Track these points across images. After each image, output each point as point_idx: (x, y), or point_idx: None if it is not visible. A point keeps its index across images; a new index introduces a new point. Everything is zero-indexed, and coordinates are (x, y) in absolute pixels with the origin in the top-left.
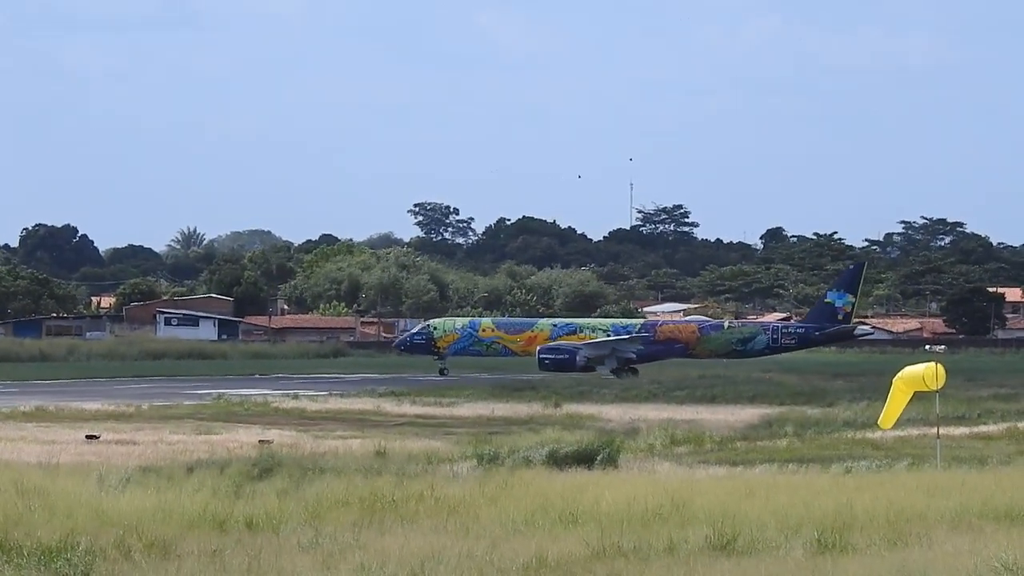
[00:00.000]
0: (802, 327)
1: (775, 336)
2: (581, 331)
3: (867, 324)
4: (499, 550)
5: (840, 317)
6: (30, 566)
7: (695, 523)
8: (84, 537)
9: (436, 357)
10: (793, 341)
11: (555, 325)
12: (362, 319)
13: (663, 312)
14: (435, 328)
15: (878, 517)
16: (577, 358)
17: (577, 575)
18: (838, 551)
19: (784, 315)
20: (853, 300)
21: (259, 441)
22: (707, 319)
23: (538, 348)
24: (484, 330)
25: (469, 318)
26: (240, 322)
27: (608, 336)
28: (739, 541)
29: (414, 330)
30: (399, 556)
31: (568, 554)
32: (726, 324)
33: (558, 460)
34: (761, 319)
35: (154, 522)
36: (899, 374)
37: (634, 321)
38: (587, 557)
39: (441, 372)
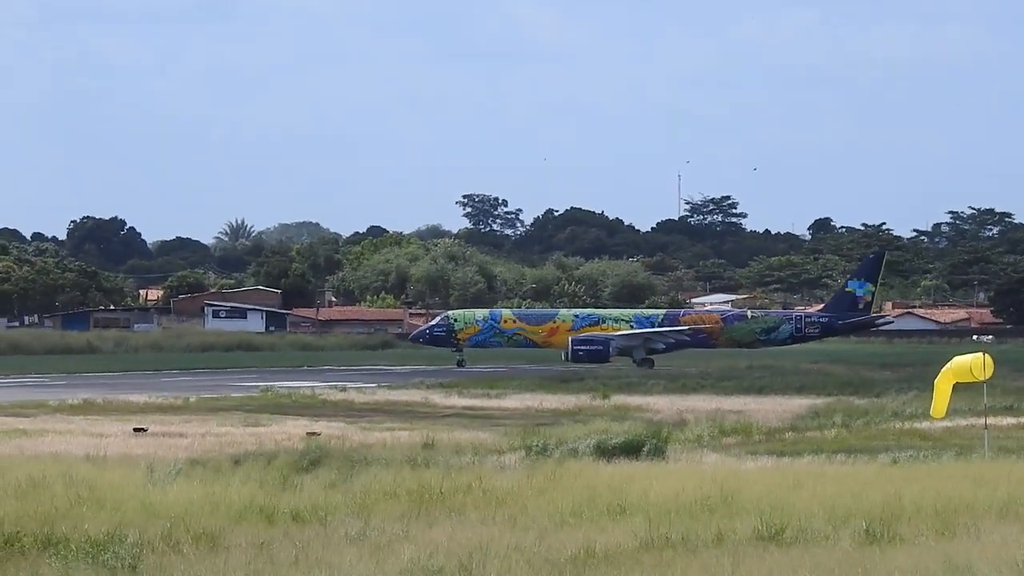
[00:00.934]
0: (825, 316)
1: (799, 325)
2: (603, 322)
3: (887, 315)
4: (547, 541)
5: (861, 306)
6: (78, 559)
7: (743, 514)
8: (132, 530)
9: (454, 349)
10: (816, 330)
11: (577, 316)
12: (410, 311)
13: (711, 303)
14: (455, 320)
15: (926, 507)
16: (611, 348)
17: (625, 566)
18: (886, 542)
19: None
20: (873, 289)
21: (307, 433)
22: (730, 309)
23: (571, 339)
24: (505, 321)
25: (489, 310)
26: (288, 314)
27: (632, 327)
28: (787, 532)
29: (433, 322)
30: (447, 548)
31: (616, 545)
32: (749, 314)
33: (606, 451)
34: (809, 309)
35: (202, 514)
36: (948, 365)
37: (656, 311)
38: (635, 548)
39: (459, 364)
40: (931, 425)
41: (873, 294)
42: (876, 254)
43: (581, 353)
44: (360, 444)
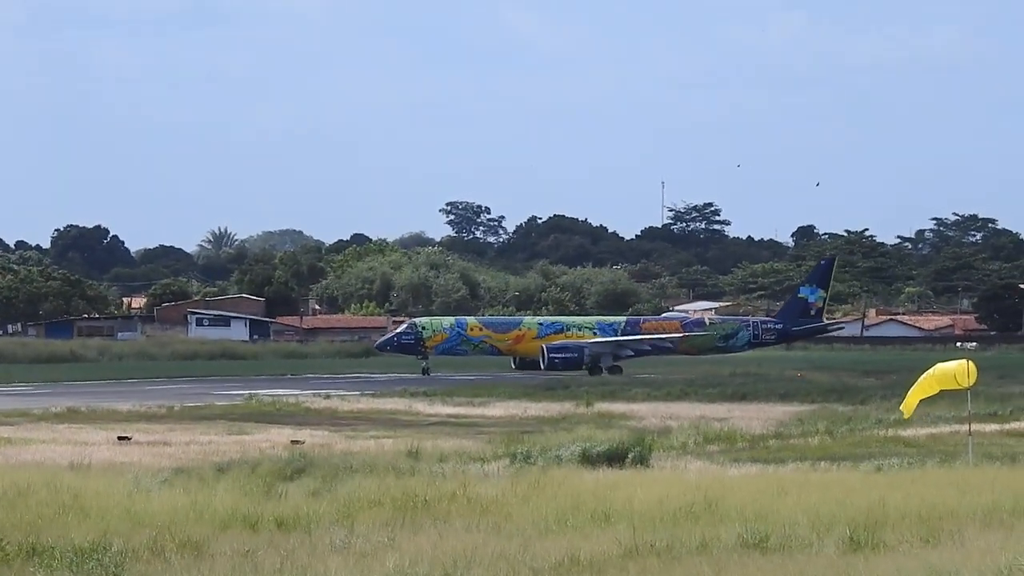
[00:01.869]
0: (780, 323)
1: (756, 332)
2: (567, 329)
3: (839, 321)
4: (532, 549)
5: (812, 312)
6: (62, 567)
7: (727, 521)
8: (117, 538)
9: (420, 356)
10: (773, 337)
11: (541, 324)
12: (393, 319)
13: (693, 310)
14: (424, 327)
15: (910, 514)
16: (584, 356)
17: (610, 574)
18: (870, 548)
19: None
20: (825, 295)
21: (291, 441)
22: (688, 316)
23: (545, 347)
24: (472, 329)
25: (455, 317)
26: (271, 322)
27: (595, 334)
28: (771, 539)
29: (399, 330)
30: (432, 556)
31: (601, 553)
32: (707, 320)
33: (590, 459)
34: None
35: (186, 522)
36: (930, 370)
37: (618, 319)
38: (619, 556)
39: (424, 371)
40: (915, 432)
41: (824, 300)
42: (827, 260)
43: (557, 361)
44: (344, 452)
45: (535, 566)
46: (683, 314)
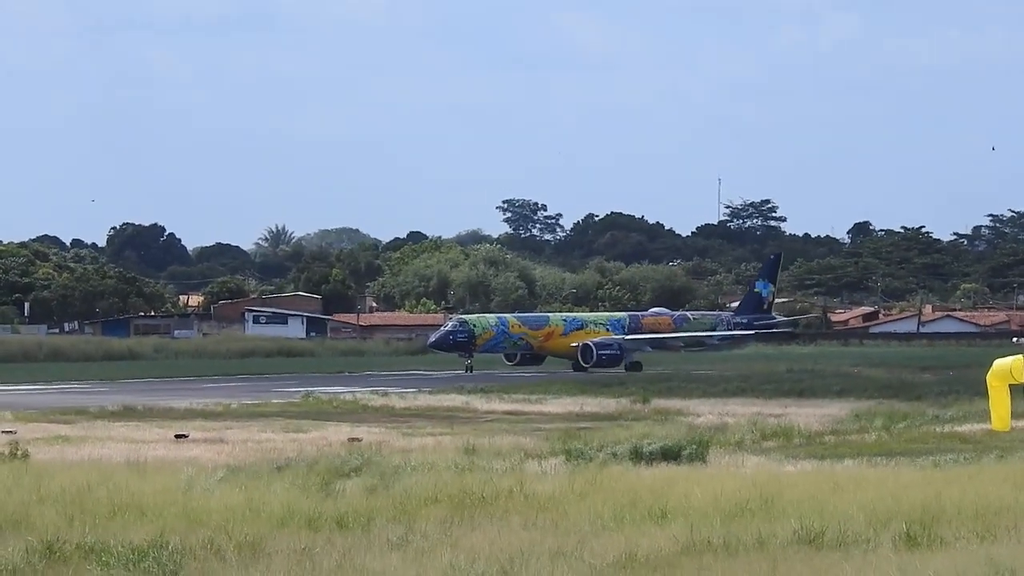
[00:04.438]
0: (744, 317)
1: (729, 327)
2: (586, 326)
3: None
4: (588, 546)
5: (765, 307)
6: (119, 566)
7: (783, 517)
8: (173, 537)
9: (464, 355)
10: (740, 331)
11: (565, 320)
12: (450, 317)
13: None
14: (474, 325)
15: (966, 510)
16: (623, 353)
17: (666, 571)
18: (927, 545)
19: (871, 308)
20: (774, 289)
21: (348, 439)
22: (673, 312)
23: (591, 343)
24: (512, 327)
25: (497, 316)
26: (328, 320)
27: (608, 330)
28: (827, 535)
29: (450, 327)
30: (489, 553)
31: (657, 549)
32: (691, 316)
33: (646, 456)
34: (847, 313)
35: (243, 521)
36: (990, 370)
37: (622, 315)
38: (676, 552)
39: (468, 369)
40: (971, 428)
41: (773, 295)
42: (775, 255)
43: (604, 358)
44: (401, 449)
45: (592, 563)
46: (666, 310)
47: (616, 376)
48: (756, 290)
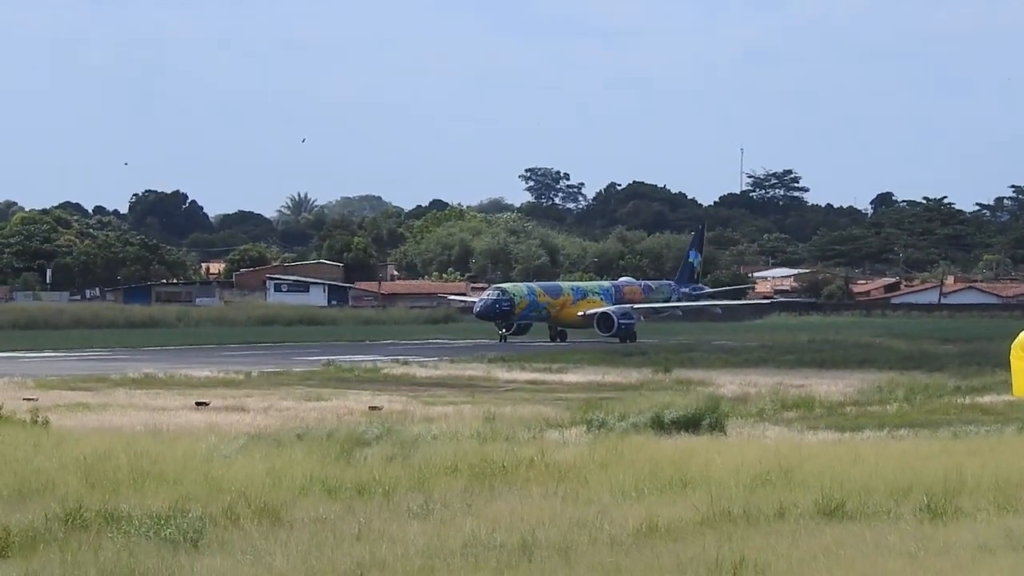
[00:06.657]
0: (686, 287)
1: (679, 297)
2: (587, 295)
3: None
4: (609, 516)
5: (695, 277)
6: (140, 534)
7: (804, 488)
8: (194, 504)
9: (502, 323)
10: (683, 300)
11: (573, 289)
12: (473, 285)
13: (773, 276)
14: (514, 294)
15: (987, 482)
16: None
17: (687, 540)
18: (947, 516)
19: (893, 279)
20: (700, 260)
21: (369, 407)
22: (640, 281)
23: (612, 312)
24: (539, 295)
25: (526, 284)
26: (350, 288)
27: (601, 299)
28: (848, 506)
29: (494, 296)
30: (509, 522)
31: (678, 519)
32: (653, 286)
33: (667, 425)
34: (869, 284)
35: (264, 489)
36: (1015, 341)
37: (606, 283)
38: (697, 522)
39: (503, 339)
40: (992, 400)
41: (701, 265)
42: (701, 224)
43: (624, 327)
44: (422, 418)
45: (613, 533)
46: (634, 280)
47: (637, 346)
48: (689, 260)
